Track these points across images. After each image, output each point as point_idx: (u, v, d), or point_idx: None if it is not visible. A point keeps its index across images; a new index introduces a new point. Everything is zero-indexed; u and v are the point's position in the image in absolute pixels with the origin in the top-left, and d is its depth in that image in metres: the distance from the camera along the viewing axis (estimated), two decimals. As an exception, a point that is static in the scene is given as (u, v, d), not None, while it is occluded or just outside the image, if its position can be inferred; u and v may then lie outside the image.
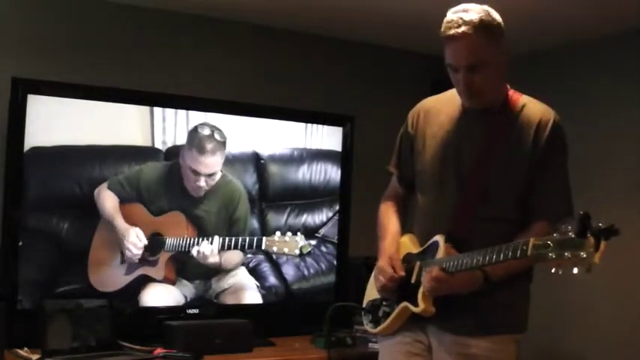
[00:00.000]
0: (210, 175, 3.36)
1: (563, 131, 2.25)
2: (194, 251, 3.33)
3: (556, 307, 3.64)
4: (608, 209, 3.32)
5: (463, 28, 2.10)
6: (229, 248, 3.39)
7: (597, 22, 3.48)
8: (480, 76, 2.14)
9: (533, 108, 2.26)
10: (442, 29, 2.16)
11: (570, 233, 1.78)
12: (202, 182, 3.33)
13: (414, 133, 2.40)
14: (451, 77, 2.21)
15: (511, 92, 2.29)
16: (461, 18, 2.11)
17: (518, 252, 1.92)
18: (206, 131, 3.35)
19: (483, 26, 2.12)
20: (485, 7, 2.17)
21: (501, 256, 1.98)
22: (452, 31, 2.12)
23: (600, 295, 3.53)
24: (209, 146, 3.33)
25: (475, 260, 2.06)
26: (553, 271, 1.80)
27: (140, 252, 3.25)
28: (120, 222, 3.21)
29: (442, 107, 2.36)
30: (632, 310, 3.50)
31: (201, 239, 3.34)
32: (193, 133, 3.34)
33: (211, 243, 3.35)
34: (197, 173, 3.32)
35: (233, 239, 3.38)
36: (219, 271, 3.43)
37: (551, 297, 3.27)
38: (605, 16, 3.38)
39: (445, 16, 2.18)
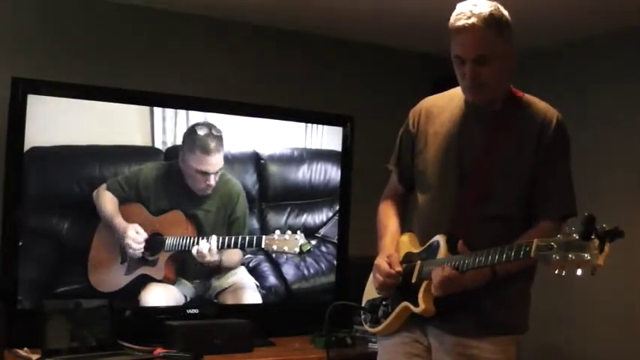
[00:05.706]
0: (217, 173, 3.37)
1: (567, 130, 2.25)
2: (193, 250, 3.33)
3: (556, 308, 3.64)
4: (608, 208, 3.32)
5: (473, 20, 2.10)
6: (229, 247, 3.39)
7: (597, 21, 3.48)
8: (487, 69, 2.14)
9: (536, 107, 2.25)
10: (451, 21, 2.16)
11: (574, 235, 1.77)
12: (212, 181, 3.35)
13: (416, 132, 2.39)
14: (456, 71, 2.20)
15: (513, 91, 2.28)
16: (470, 10, 2.12)
17: (522, 253, 1.92)
18: (204, 130, 3.35)
19: (493, 20, 2.12)
20: (495, 3, 2.17)
21: (504, 257, 1.98)
22: (461, 23, 2.12)
23: (601, 296, 3.53)
24: (212, 144, 3.34)
25: (478, 261, 2.05)
26: (556, 272, 1.79)
27: (141, 247, 3.25)
28: (119, 221, 3.21)
29: (444, 106, 2.35)
30: (633, 310, 3.50)
31: (200, 238, 3.34)
32: (191, 134, 3.34)
33: (209, 242, 3.35)
34: (206, 173, 3.33)
35: (233, 238, 3.39)
36: (219, 270, 3.42)
37: (552, 297, 3.27)
38: (604, 15, 3.38)
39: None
